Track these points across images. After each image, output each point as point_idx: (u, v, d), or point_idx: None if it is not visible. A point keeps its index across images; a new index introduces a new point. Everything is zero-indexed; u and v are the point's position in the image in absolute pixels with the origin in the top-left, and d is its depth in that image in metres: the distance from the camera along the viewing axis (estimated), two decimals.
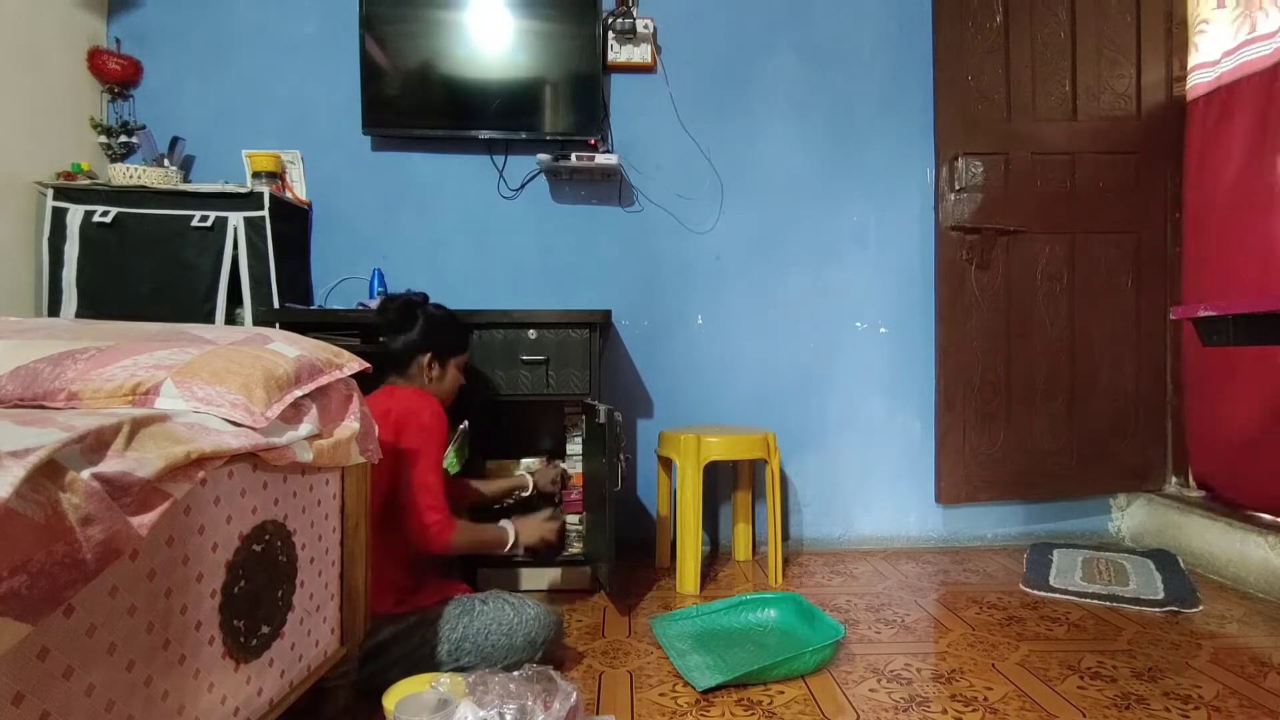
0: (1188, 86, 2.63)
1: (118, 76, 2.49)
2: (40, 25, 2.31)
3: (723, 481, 2.66)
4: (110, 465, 0.71)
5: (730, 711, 1.48)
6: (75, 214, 2.25)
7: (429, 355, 1.80)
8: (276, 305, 2.33)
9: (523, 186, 2.66)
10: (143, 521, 0.73)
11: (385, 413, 1.61)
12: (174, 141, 2.47)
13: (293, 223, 2.52)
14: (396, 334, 1.79)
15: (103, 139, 2.45)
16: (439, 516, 1.61)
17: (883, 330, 2.73)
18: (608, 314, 2.31)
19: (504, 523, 1.83)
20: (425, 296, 1.90)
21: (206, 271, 2.30)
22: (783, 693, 1.56)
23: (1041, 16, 2.65)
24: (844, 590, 2.24)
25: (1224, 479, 2.47)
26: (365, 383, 1.48)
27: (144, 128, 2.48)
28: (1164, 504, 2.62)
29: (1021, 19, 2.64)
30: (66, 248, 2.24)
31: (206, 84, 2.59)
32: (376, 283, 2.51)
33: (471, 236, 2.65)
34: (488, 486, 2.15)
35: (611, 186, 2.67)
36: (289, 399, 1.06)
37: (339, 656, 1.31)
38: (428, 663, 1.53)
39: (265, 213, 2.32)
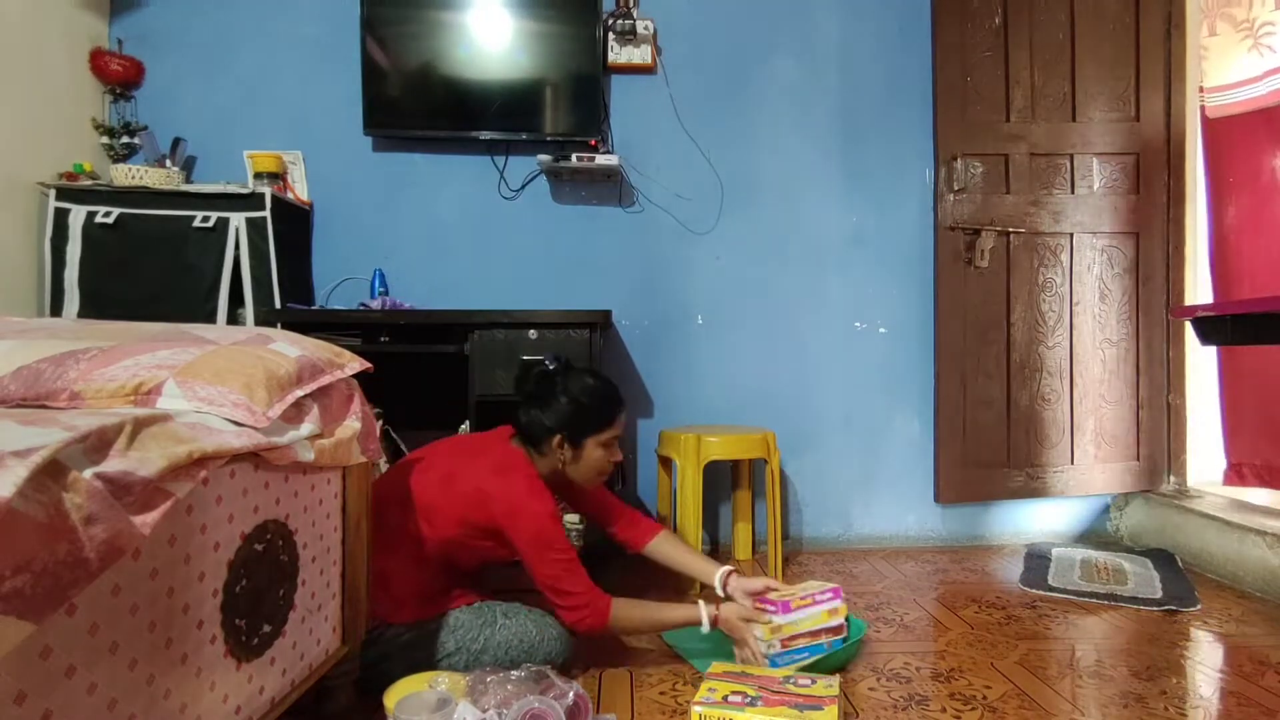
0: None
1: (119, 77, 2.49)
2: (42, 26, 2.31)
3: (722, 481, 2.66)
4: (113, 465, 0.72)
5: None
6: (77, 214, 2.26)
7: (559, 437, 1.60)
8: (278, 305, 2.33)
9: (523, 187, 2.67)
10: (145, 521, 0.74)
11: (480, 485, 1.52)
12: (176, 142, 2.48)
13: (294, 223, 2.52)
14: (530, 407, 1.63)
15: (105, 140, 2.45)
16: (582, 611, 1.51)
17: (882, 330, 2.73)
18: (608, 314, 2.32)
19: (700, 605, 1.59)
20: (568, 363, 1.69)
21: (208, 272, 2.31)
22: None
23: (1041, 17, 2.65)
24: (843, 589, 2.23)
25: None
26: (371, 381, 1.43)
27: (146, 128, 2.49)
28: (1162, 503, 2.63)
29: (1021, 20, 2.64)
30: (69, 248, 2.25)
31: (208, 85, 2.59)
32: (378, 283, 2.51)
33: (472, 237, 2.66)
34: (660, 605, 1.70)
35: (612, 187, 2.68)
36: (290, 399, 1.06)
37: (340, 655, 1.32)
38: (442, 667, 1.51)
39: (267, 213, 2.33)
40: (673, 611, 1.62)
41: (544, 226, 2.67)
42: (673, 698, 1.53)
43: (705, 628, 1.58)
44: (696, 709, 1.28)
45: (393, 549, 1.53)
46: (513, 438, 1.68)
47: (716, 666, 1.46)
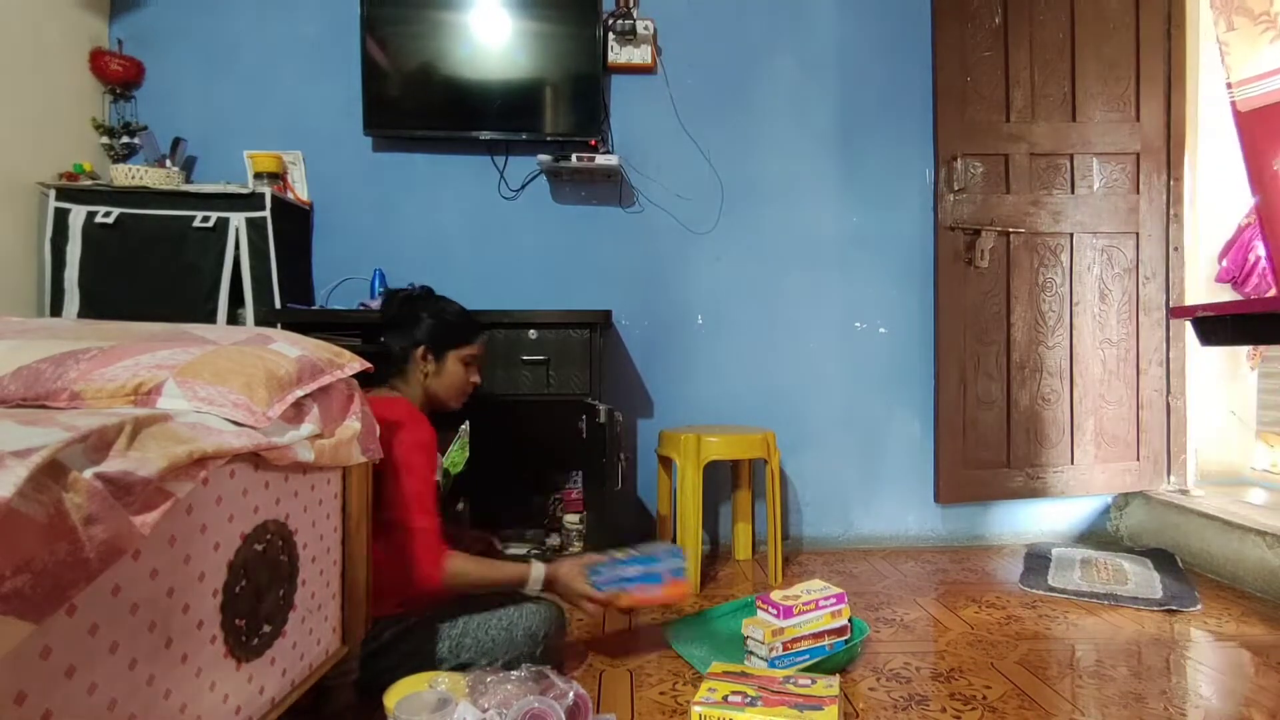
0: None
1: (119, 77, 2.50)
2: (42, 27, 2.31)
3: (722, 481, 2.66)
4: (113, 465, 0.72)
5: None
6: (77, 214, 2.26)
7: (422, 347, 1.71)
8: (278, 305, 2.33)
9: (523, 187, 2.67)
10: (145, 521, 0.74)
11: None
12: (176, 142, 2.48)
13: (294, 223, 2.52)
14: (397, 331, 1.73)
15: (105, 140, 2.45)
16: (430, 538, 1.49)
17: (882, 330, 2.73)
18: (608, 314, 2.32)
19: (534, 564, 1.59)
20: (428, 290, 1.83)
21: (208, 272, 2.31)
22: None
23: (1041, 17, 2.65)
24: (844, 589, 2.23)
25: None
26: (369, 381, 1.47)
27: (146, 128, 2.49)
28: (1162, 503, 2.63)
29: (1021, 20, 2.64)
30: (69, 248, 2.25)
31: (208, 85, 2.60)
32: (377, 283, 2.51)
33: (472, 237, 2.66)
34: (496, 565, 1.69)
35: (612, 187, 2.68)
36: (290, 399, 1.06)
37: (340, 655, 1.32)
38: (430, 660, 1.53)
39: (267, 213, 2.33)
40: (505, 569, 1.60)
41: (544, 226, 2.67)
42: (673, 698, 1.53)
43: (535, 588, 1.56)
44: (696, 709, 1.27)
45: None
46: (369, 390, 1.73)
47: (716, 666, 1.46)
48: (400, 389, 1.73)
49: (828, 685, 1.36)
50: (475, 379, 1.80)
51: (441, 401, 1.78)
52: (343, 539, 1.33)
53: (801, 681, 1.38)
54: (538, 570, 1.58)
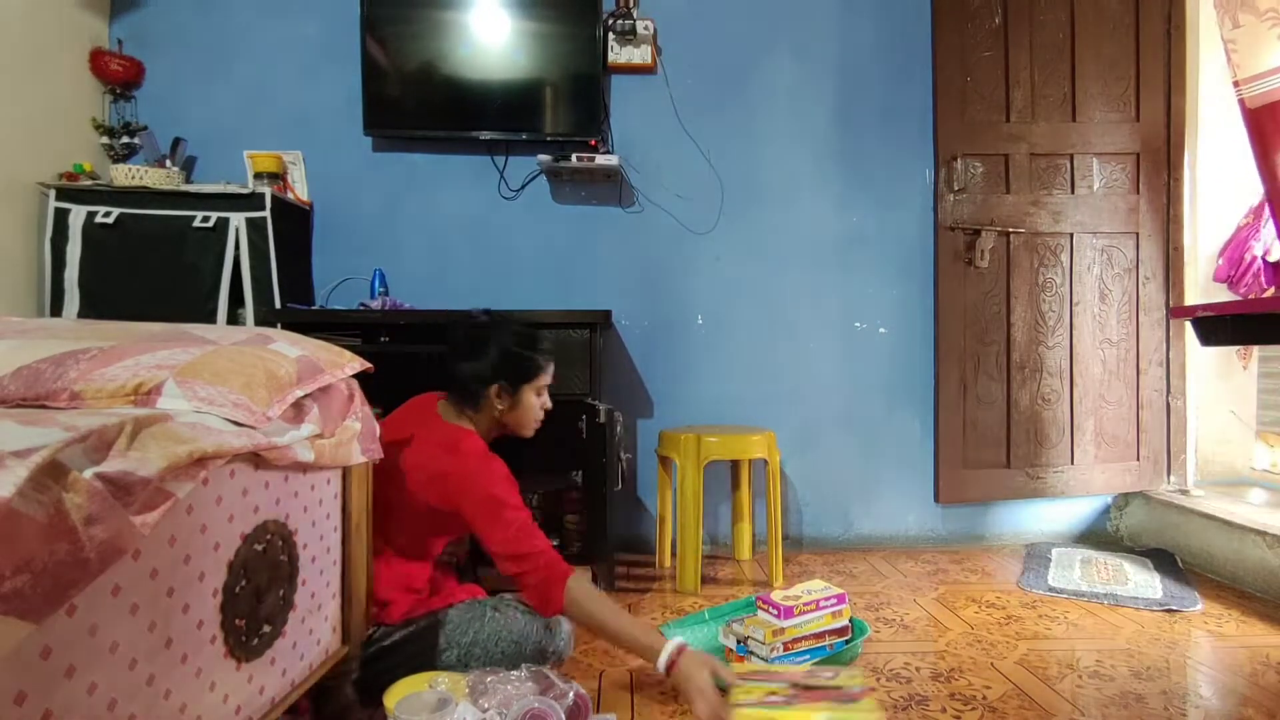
0: None
1: (120, 77, 2.50)
2: (42, 26, 2.31)
3: (723, 481, 2.66)
4: (113, 465, 0.72)
5: None
6: (78, 214, 2.26)
7: (496, 386, 1.62)
8: (278, 305, 2.33)
9: (523, 187, 2.67)
10: (145, 521, 0.74)
11: (436, 469, 1.52)
12: (176, 142, 2.48)
13: (294, 223, 2.52)
14: (463, 360, 1.63)
15: (105, 140, 2.46)
16: (541, 573, 1.44)
17: (882, 330, 2.73)
18: (608, 314, 2.32)
19: (668, 643, 1.42)
20: (500, 317, 1.72)
21: (208, 272, 2.31)
22: None
23: (1041, 17, 2.65)
24: (843, 589, 2.23)
25: None
26: (371, 381, 1.45)
27: (146, 128, 2.50)
28: (1162, 503, 2.63)
29: (1021, 21, 2.64)
30: (69, 248, 2.25)
31: (208, 85, 2.60)
32: (377, 283, 2.51)
33: (472, 236, 2.66)
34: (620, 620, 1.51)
35: (612, 187, 2.68)
36: (290, 399, 1.06)
37: (340, 655, 1.32)
38: (436, 665, 1.51)
39: (267, 213, 2.33)
40: (634, 628, 1.48)
41: (544, 227, 2.67)
42: (673, 697, 1.53)
43: (660, 668, 1.41)
44: (741, 711, 1.25)
45: (373, 549, 1.52)
46: (440, 401, 1.68)
47: (738, 668, 1.46)
48: (471, 417, 1.66)
49: (850, 676, 1.35)
50: (548, 405, 1.73)
51: (515, 431, 1.71)
52: (343, 539, 1.33)
53: (825, 674, 1.37)
54: (665, 655, 1.41)
